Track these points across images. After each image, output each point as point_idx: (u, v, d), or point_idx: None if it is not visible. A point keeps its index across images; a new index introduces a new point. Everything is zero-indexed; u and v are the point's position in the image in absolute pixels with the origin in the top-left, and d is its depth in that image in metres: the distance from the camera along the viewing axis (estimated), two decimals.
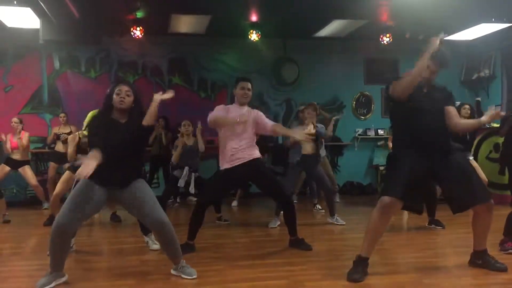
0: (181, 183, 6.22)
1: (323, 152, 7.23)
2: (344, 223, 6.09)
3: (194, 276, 3.68)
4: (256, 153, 4.65)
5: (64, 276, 3.54)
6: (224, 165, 4.60)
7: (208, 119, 4.58)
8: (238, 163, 4.54)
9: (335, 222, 6.13)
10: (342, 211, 7.20)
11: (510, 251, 4.31)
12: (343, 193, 9.26)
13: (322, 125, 6.42)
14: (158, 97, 3.63)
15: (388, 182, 3.78)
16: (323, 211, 7.08)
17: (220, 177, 4.67)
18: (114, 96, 3.56)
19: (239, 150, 4.55)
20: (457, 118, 3.85)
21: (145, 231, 4.84)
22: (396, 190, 3.57)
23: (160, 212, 3.60)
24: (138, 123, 3.57)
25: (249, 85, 4.71)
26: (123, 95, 3.56)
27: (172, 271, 3.79)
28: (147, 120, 3.58)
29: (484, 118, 3.83)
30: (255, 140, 4.73)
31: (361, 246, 3.71)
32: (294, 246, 4.75)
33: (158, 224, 3.57)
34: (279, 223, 5.91)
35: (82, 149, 6.19)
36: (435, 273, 3.80)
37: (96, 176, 3.35)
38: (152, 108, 3.60)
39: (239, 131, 4.57)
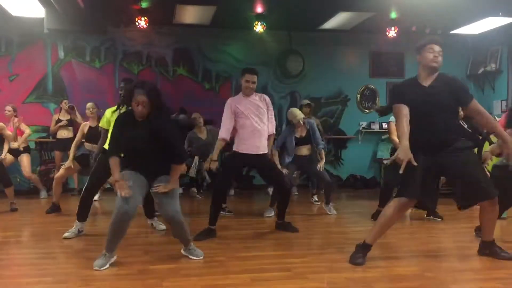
0: (191, 172, 6.28)
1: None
2: (336, 213, 6.22)
3: (201, 257, 3.98)
4: (266, 147, 5.00)
5: (114, 257, 3.77)
6: (238, 148, 4.95)
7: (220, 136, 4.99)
8: (249, 152, 4.89)
9: (328, 211, 6.23)
10: (345, 204, 7.21)
11: None
12: (346, 187, 9.26)
13: (313, 122, 6.49)
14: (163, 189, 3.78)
15: (404, 182, 3.84)
16: (319, 203, 7.08)
17: (230, 159, 5.12)
18: (133, 103, 3.64)
19: (253, 138, 4.88)
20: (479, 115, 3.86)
21: (150, 215, 5.19)
22: (413, 192, 3.76)
23: (175, 207, 3.82)
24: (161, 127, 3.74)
25: (255, 78, 4.90)
26: (140, 108, 3.63)
27: (182, 251, 4.05)
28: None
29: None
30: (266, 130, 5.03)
31: (368, 233, 3.93)
32: (281, 228, 5.13)
33: (170, 217, 3.82)
34: (273, 213, 6.04)
35: (87, 138, 6.38)
36: (437, 267, 3.80)
37: (132, 167, 3.77)
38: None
39: (254, 124, 4.90)
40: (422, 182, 3.70)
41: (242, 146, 4.93)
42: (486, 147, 5.35)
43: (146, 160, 3.75)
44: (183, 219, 3.88)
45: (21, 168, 7.50)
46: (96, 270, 3.58)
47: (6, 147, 6.82)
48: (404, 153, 3.54)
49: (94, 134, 6.32)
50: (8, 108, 7.44)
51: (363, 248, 3.87)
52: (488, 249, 4.00)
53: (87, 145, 6.65)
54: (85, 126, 6.74)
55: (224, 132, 4.95)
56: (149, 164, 3.77)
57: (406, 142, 3.57)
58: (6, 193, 6.61)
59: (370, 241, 3.87)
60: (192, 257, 3.97)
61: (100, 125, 5.16)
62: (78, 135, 6.54)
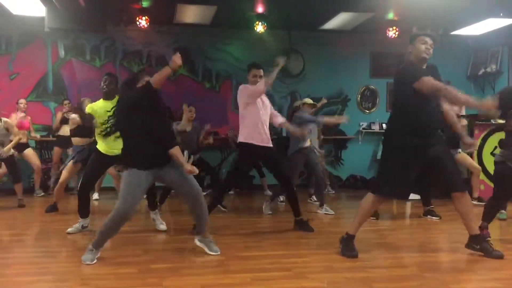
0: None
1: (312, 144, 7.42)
2: (333, 212, 6.25)
3: (218, 253, 4.03)
4: (270, 140, 5.15)
5: (98, 253, 3.87)
6: (249, 140, 4.99)
7: (257, 89, 5.02)
8: (261, 144, 5.00)
9: (325, 212, 6.26)
10: (345, 204, 7.21)
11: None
12: (346, 187, 9.26)
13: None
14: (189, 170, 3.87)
15: (381, 180, 4.06)
16: (318, 203, 7.08)
17: (242, 152, 5.20)
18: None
19: (265, 132, 5.03)
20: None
21: (152, 207, 5.17)
22: (387, 191, 3.96)
23: (198, 186, 4.02)
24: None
25: (261, 72, 5.15)
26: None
27: (197, 242, 4.14)
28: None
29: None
30: None
31: (350, 225, 4.10)
32: (298, 226, 5.09)
33: (195, 196, 3.98)
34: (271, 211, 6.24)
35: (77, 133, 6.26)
36: (437, 267, 3.81)
37: (136, 163, 3.80)
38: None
39: (266, 116, 5.12)
40: (400, 180, 3.86)
41: (251, 137, 4.99)
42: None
43: (145, 145, 3.82)
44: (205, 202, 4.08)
45: (23, 168, 7.47)
46: (88, 264, 3.70)
47: (12, 143, 6.67)
48: (488, 102, 3.54)
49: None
50: (23, 100, 7.76)
51: (350, 240, 4.04)
52: (478, 244, 4.01)
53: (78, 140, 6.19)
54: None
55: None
56: (149, 149, 3.82)
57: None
58: (15, 189, 6.74)
59: (353, 232, 4.06)
60: (208, 250, 4.04)
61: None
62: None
